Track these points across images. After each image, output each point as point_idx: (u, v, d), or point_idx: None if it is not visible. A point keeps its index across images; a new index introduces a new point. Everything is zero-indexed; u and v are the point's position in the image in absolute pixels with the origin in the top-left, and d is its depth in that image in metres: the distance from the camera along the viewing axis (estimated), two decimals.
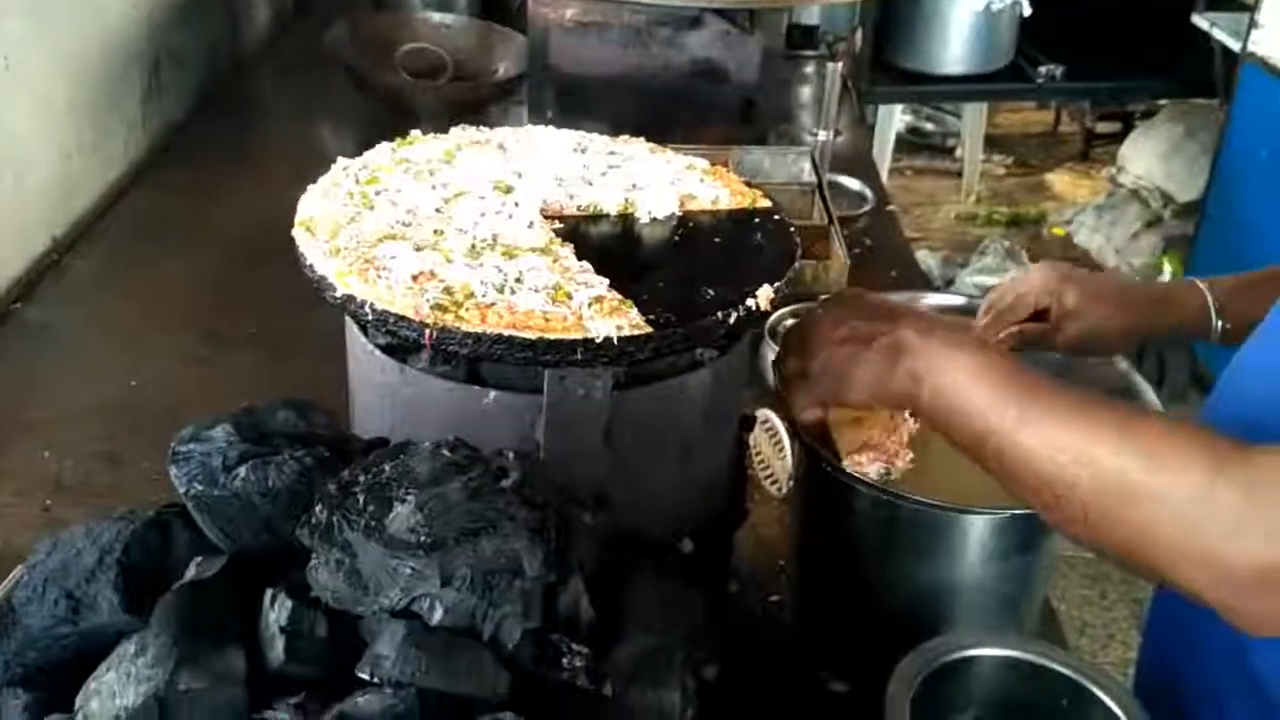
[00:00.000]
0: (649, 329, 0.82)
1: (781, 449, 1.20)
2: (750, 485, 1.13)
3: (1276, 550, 0.61)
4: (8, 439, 1.23)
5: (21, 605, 0.68)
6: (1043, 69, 3.27)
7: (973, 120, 3.93)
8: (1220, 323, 0.98)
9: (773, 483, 1.20)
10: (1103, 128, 4.24)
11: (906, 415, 0.95)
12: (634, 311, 0.83)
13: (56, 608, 0.67)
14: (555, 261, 0.88)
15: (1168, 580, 0.67)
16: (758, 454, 1.22)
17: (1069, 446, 0.69)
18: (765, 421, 1.22)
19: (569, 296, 0.84)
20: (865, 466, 0.89)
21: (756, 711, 0.91)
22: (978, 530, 0.91)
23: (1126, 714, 0.78)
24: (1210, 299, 0.98)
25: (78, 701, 0.62)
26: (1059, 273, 1.01)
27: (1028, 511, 0.90)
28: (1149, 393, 0.98)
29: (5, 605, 0.71)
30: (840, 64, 1.80)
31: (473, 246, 0.89)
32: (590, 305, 0.83)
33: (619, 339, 0.81)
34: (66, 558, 0.69)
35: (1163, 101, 3.83)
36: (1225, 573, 0.62)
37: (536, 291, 0.84)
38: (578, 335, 0.80)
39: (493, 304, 0.82)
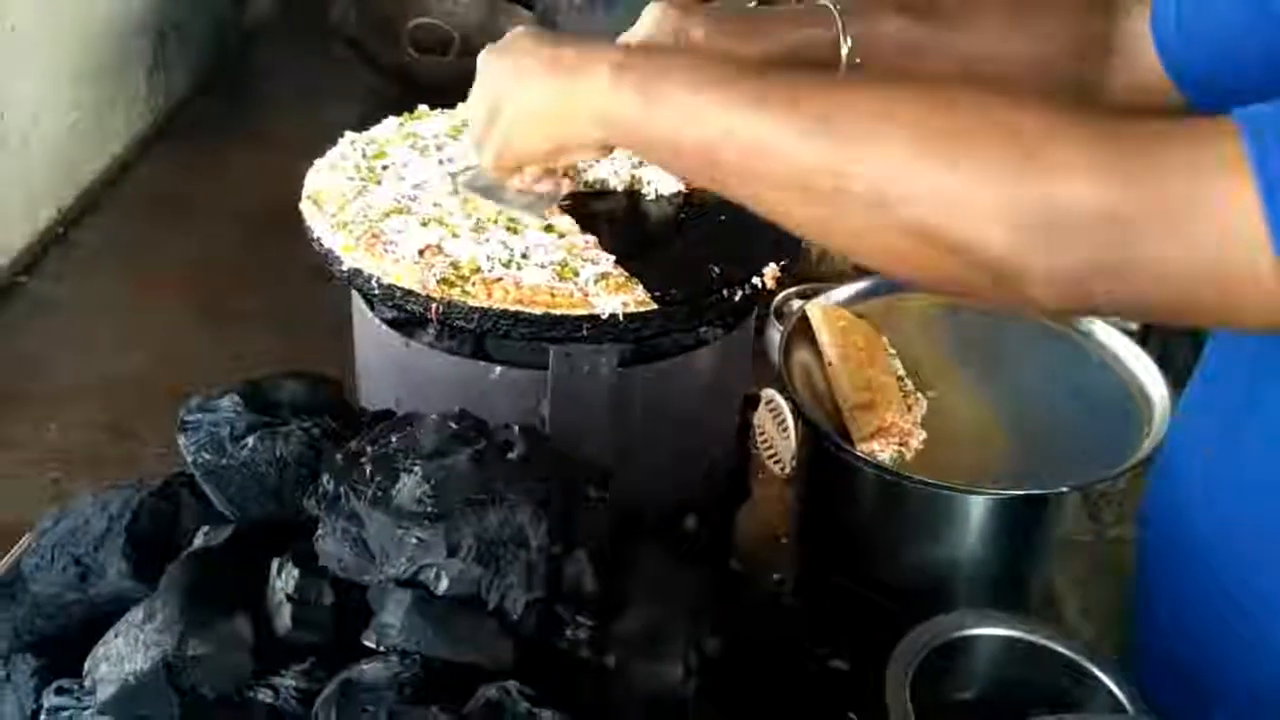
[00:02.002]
0: (654, 306, 0.82)
1: (785, 428, 1.20)
2: (754, 464, 1.13)
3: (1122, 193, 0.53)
4: (14, 412, 1.24)
5: (31, 572, 0.69)
6: None
7: None
8: (848, 41, 0.85)
9: (776, 462, 1.21)
10: None
11: (919, 395, 0.95)
12: (639, 288, 0.83)
13: (65, 575, 0.68)
14: (561, 236, 0.88)
15: (950, 250, 0.56)
16: (761, 433, 1.22)
17: (848, 112, 0.58)
18: (770, 401, 1.22)
19: (575, 273, 0.84)
20: (880, 453, 0.89)
21: (756, 688, 0.92)
22: (981, 510, 0.92)
23: (1126, 696, 0.78)
24: (838, 16, 0.85)
25: (86, 666, 0.63)
26: (676, 7, 0.86)
27: (1029, 492, 0.90)
28: (1159, 381, 0.98)
29: (15, 572, 0.71)
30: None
31: (478, 221, 0.89)
32: (596, 281, 0.83)
33: (624, 315, 0.81)
34: (75, 525, 0.69)
35: None
36: (1047, 215, 0.54)
37: (543, 267, 0.84)
38: (583, 311, 0.81)
39: (499, 279, 0.82)
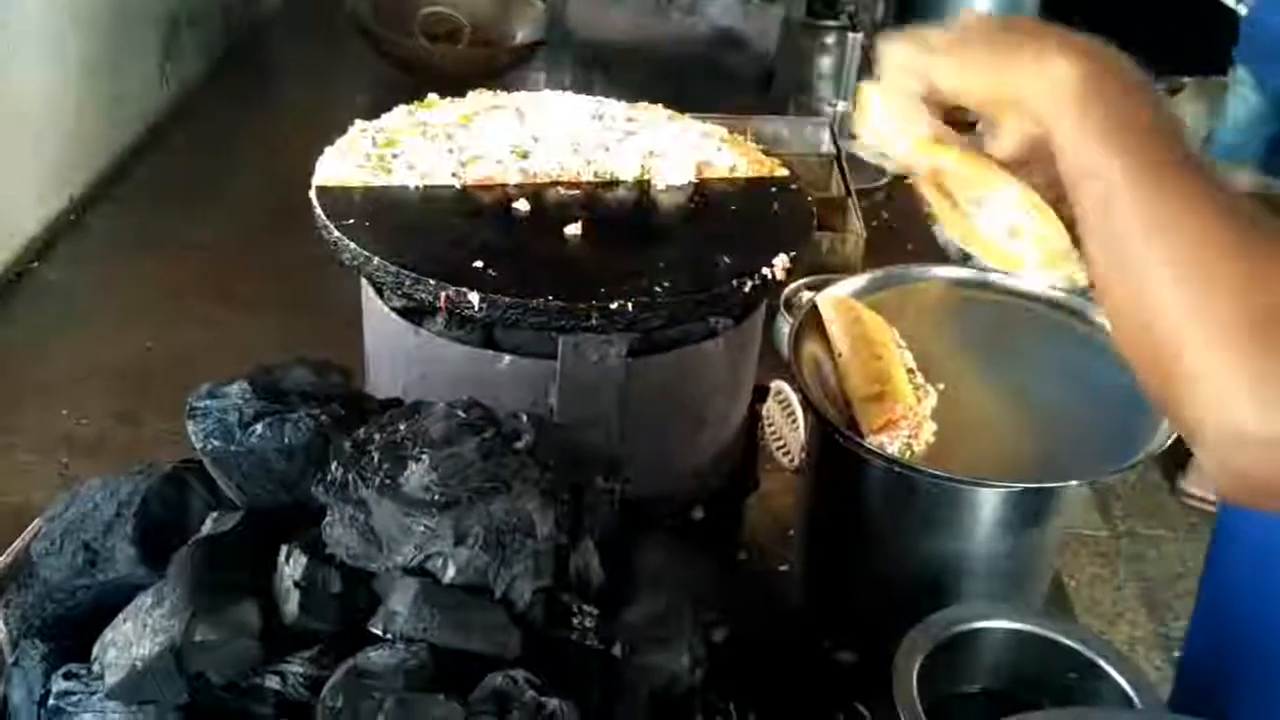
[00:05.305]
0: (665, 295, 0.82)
1: (794, 420, 1.20)
2: (762, 456, 1.13)
3: None
4: (25, 398, 1.24)
5: (40, 557, 0.69)
6: None
7: None
8: None
9: (784, 453, 1.20)
10: None
11: (929, 387, 0.95)
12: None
13: (74, 560, 0.68)
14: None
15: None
16: (770, 425, 1.22)
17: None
18: (779, 393, 1.22)
19: None
20: (889, 445, 0.89)
21: (763, 681, 0.92)
22: (989, 503, 0.91)
23: (1134, 688, 0.78)
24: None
25: (95, 652, 0.63)
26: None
27: (1039, 485, 0.90)
28: None
29: (24, 557, 0.72)
30: (861, 34, 1.79)
31: None
32: None
33: (633, 305, 0.81)
34: (84, 511, 0.69)
35: (1185, 79, 3.78)
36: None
37: None
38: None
39: None
